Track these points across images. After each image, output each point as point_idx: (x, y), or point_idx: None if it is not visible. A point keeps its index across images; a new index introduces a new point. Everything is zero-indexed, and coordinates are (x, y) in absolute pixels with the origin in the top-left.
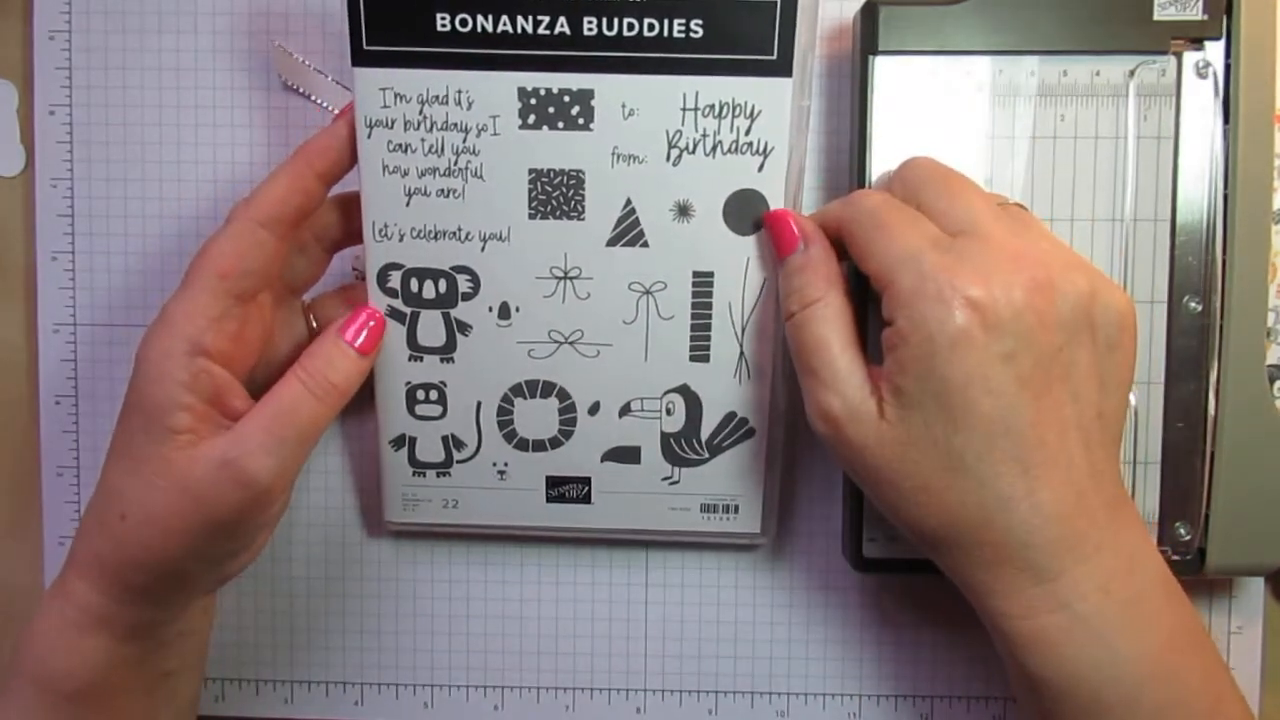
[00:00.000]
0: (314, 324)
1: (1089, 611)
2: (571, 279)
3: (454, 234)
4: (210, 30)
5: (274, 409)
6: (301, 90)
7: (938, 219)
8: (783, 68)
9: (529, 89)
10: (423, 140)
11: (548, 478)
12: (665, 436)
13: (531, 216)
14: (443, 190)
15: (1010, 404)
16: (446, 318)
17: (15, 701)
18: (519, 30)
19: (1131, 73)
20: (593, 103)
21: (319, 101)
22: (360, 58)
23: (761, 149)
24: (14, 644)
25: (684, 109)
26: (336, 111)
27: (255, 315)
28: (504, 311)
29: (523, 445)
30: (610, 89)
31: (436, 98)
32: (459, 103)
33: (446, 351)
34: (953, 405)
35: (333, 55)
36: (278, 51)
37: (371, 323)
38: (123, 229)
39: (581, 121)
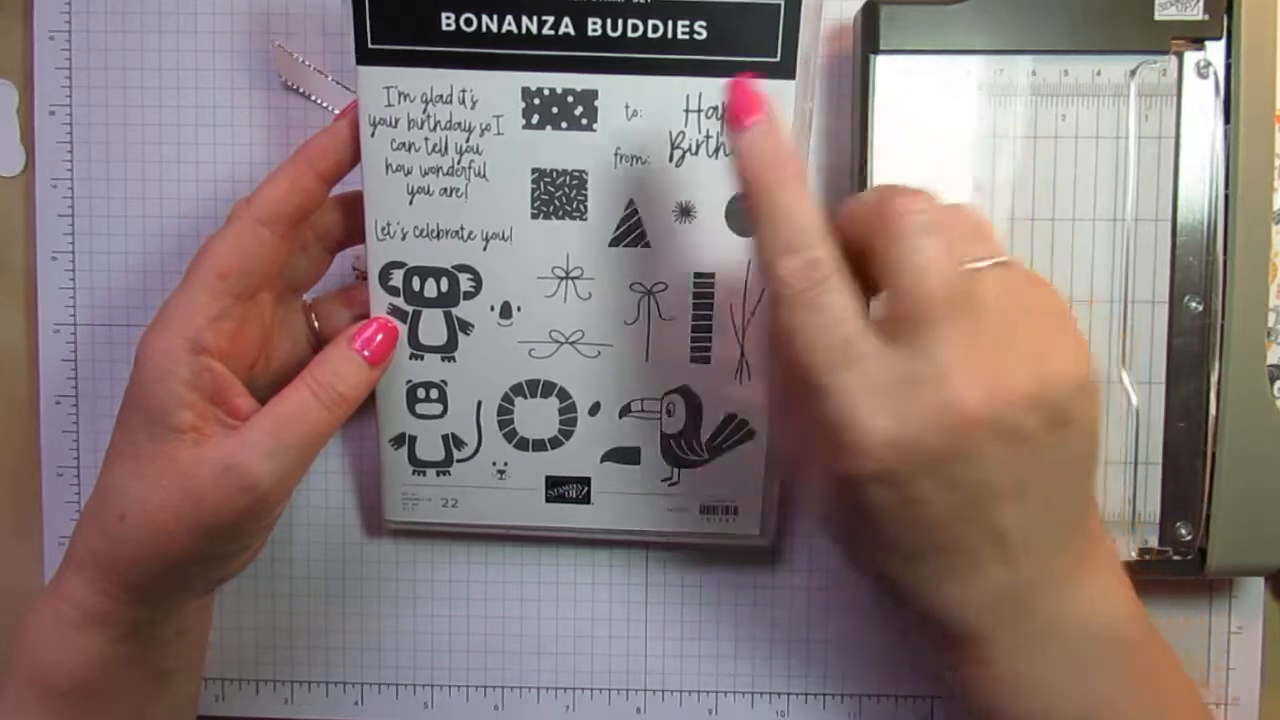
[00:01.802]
0: (315, 323)
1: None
2: (573, 279)
3: (456, 233)
4: (210, 30)
5: (280, 414)
6: (302, 90)
7: (882, 284)
8: (786, 70)
9: (533, 89)
10: (426, 139)
11: (547, 478)
12: (665, 437)
13: (534, 216)
14: (446, 189)
15: (923, 531)
16: (448, 316)
17: (11, 699)
18: (523, 30)
19: (1132, 72)
20: (596, 103)
21: (319, 101)
22: (364, 56)
23: None
24: (10, 642)
25: (687, 110)
26: (337, 111)
27: (255, 314)
28: (505, 311)
29: (523, 445)
30: (614, 90)
31: (440, 97)
32: (463, 102)
33: (448, 350)
34: (867, 531)
35: (333, 55)
36: (278, 51)
37: (381, 335)
38: (123, 229)
39: (585, 122)
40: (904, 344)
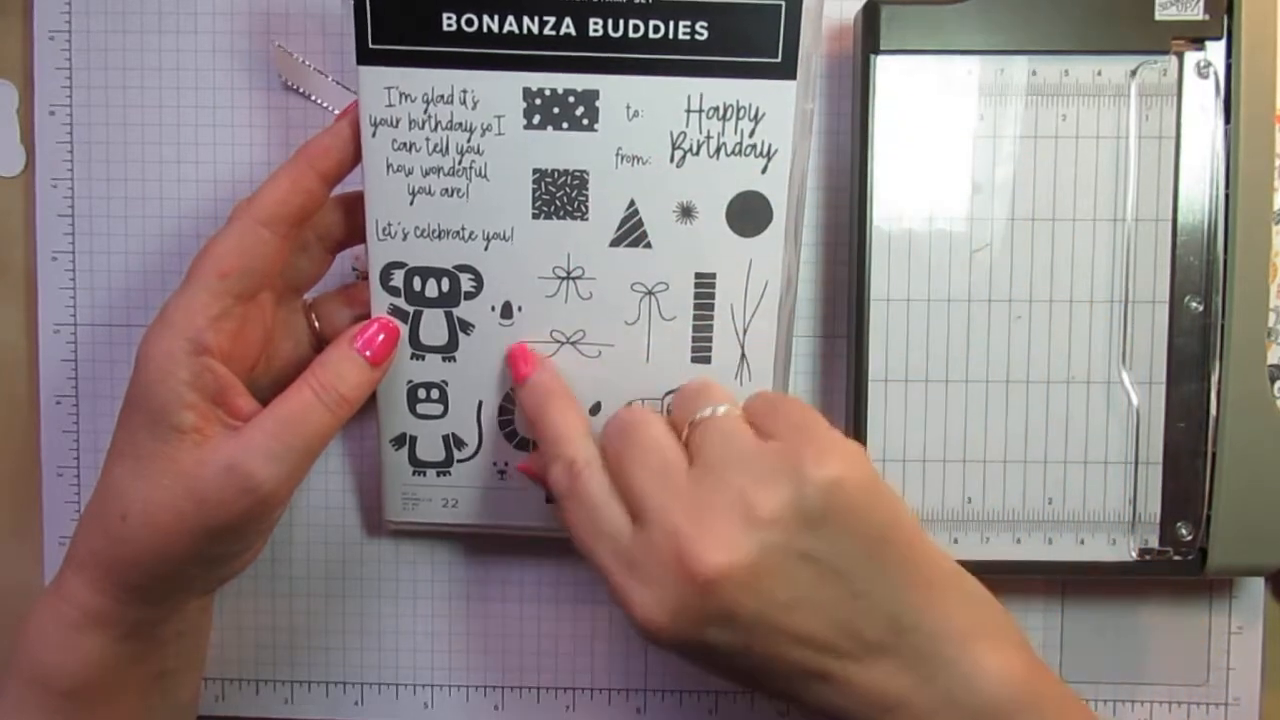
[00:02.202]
0: (315, 323)
1: None
2: (574, 279)
3: (457, 233)
4: (210, 30)
5: (282, 416)
6: (302, 90)
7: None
8: (787, 70)
9: (534, 89)
10: (427, 139)
11: None
12: None
13: (535, 216)
14: (447, 189)
15: (755, 667)
16: (449, 317)
17: (11, 700)
18: (524, 30)
19: (1133, 72)
20: (597, 103)
21: (319, 101)
22: (365, 56)
23: (765, 151)
24: (10, 642)
25: (688, 110)
26: (337, 112)
27: (256, 315)
28: (506, 311)
29: (524, 445)
30: (615, 90)
31: (441, 97)
32: (464, 102)
33: (448, 350)
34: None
35: (333, 55)
36: (278, 51)
37: (382, 335)
38: (123, 229)
39: (586, 122)
40: (640, 524)
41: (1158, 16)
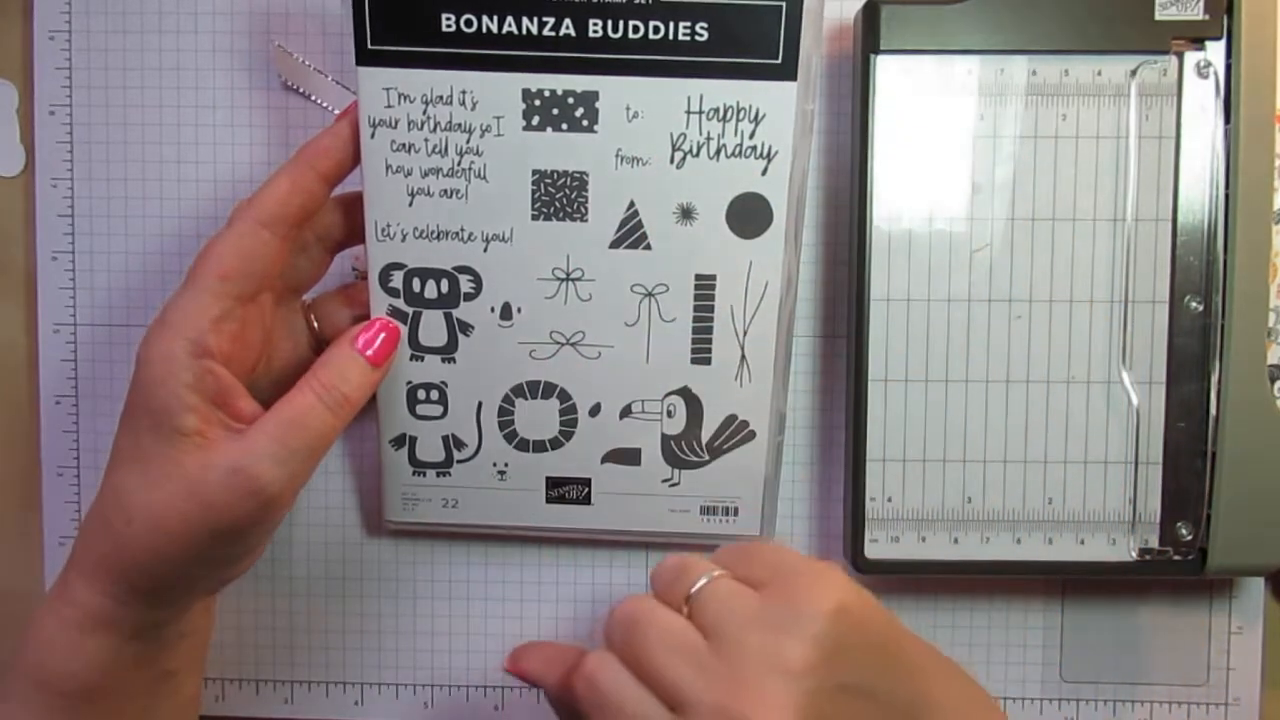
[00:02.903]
0: (315, 324)
1: None
2: (574, 280)
3: (457, 234)
4: (210, 30)
5: (285, 418)
6: (302, 90)
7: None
8: (787, 72)
9: (533, 90)
10: (426, 140)
11: (548, 478)
12: (666, 438)
13: (534, 217)
14: (446, 190)
15: None
16: (448, 318)
17: (16, 702)
18: (524, 31)
19: (1133, 72)
20: (597, 105)
21: (319, 101)
22: (364, 57)
23: (765, 153)
24: (14, 645)
25: (688, 112)
26: (337, 112)
27: (256, 316)
28: (506, 312)
29: (523, 446)
30: (615, 91)
31: (440, 98)
32: (463, 103)
33: (448, 351)
34: None
35: (333, 55)
36: (278, 51)
37: (383, 335)
38: (123, 229)
39: (586, 123)
40: (682, 713)
41: (1158, 16)
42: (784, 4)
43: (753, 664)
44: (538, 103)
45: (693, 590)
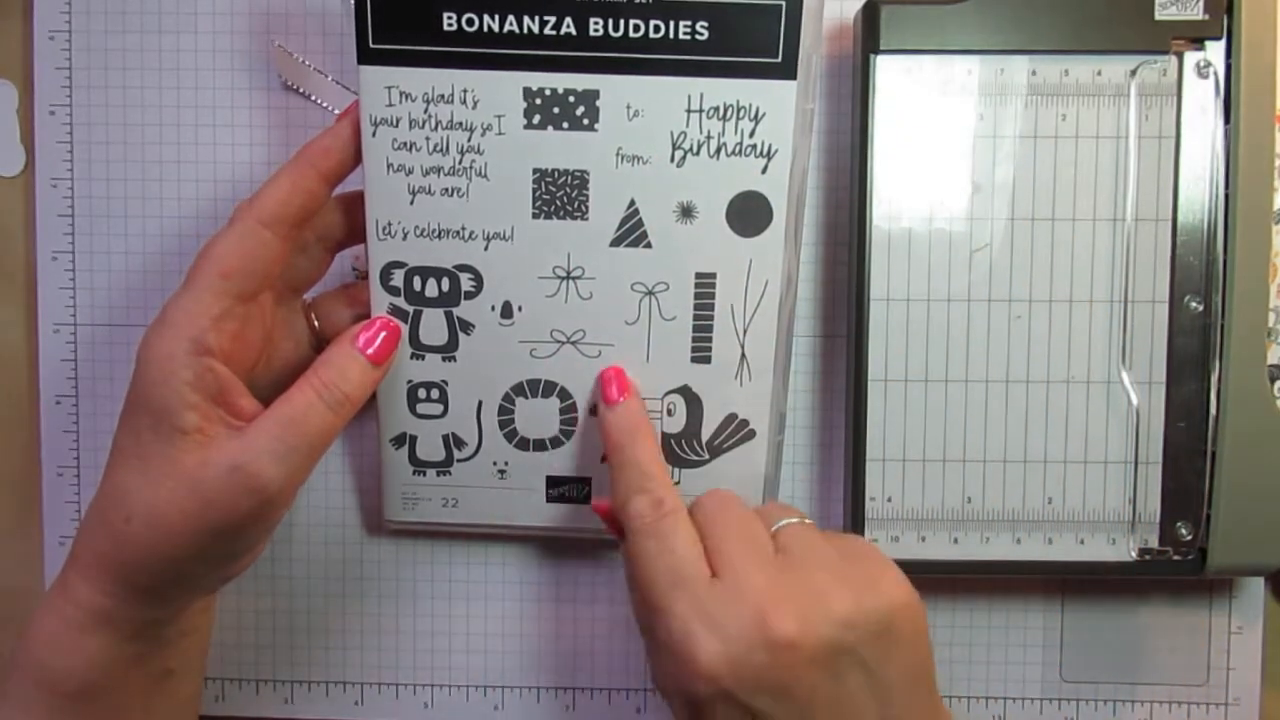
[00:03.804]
0: (315, 323)
1: None
2: (574, 279)
3: (457, 233)
4: (210, 30)
5: (285, 416)
6: (302, 90)
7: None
8: (787, 70)
9: (534, 89)
10: (427, 139)
11: (548, 477)
12: (666, 437)
13: (535, 216)
14: (447, 189)
15: None
16: (449, 316)
17: (16, 701)
18: (525, 30)
19: (1132, 72)
20: (598, 103)
21: (319, 101)
22: (366, 56)
23: (766, 151)
24: (13, 644)
25: (689, 110)
26: (337, 111)
27: (256, 315)
28: (506, 311)
29: (523, 445)
30: (615, 90)
31: (442, 97)
32: (464, 102)
33: (448, 350)
34: None
35: (333, 55)
36: (278, 51)
37: (383, 334)
38: (123, 229)
39: (586, 122)
40: (725, 579)
41: (1158, 16)
42: (784, 3)
43: (803, 586)
44: (539, 101)
45: (783, 523)
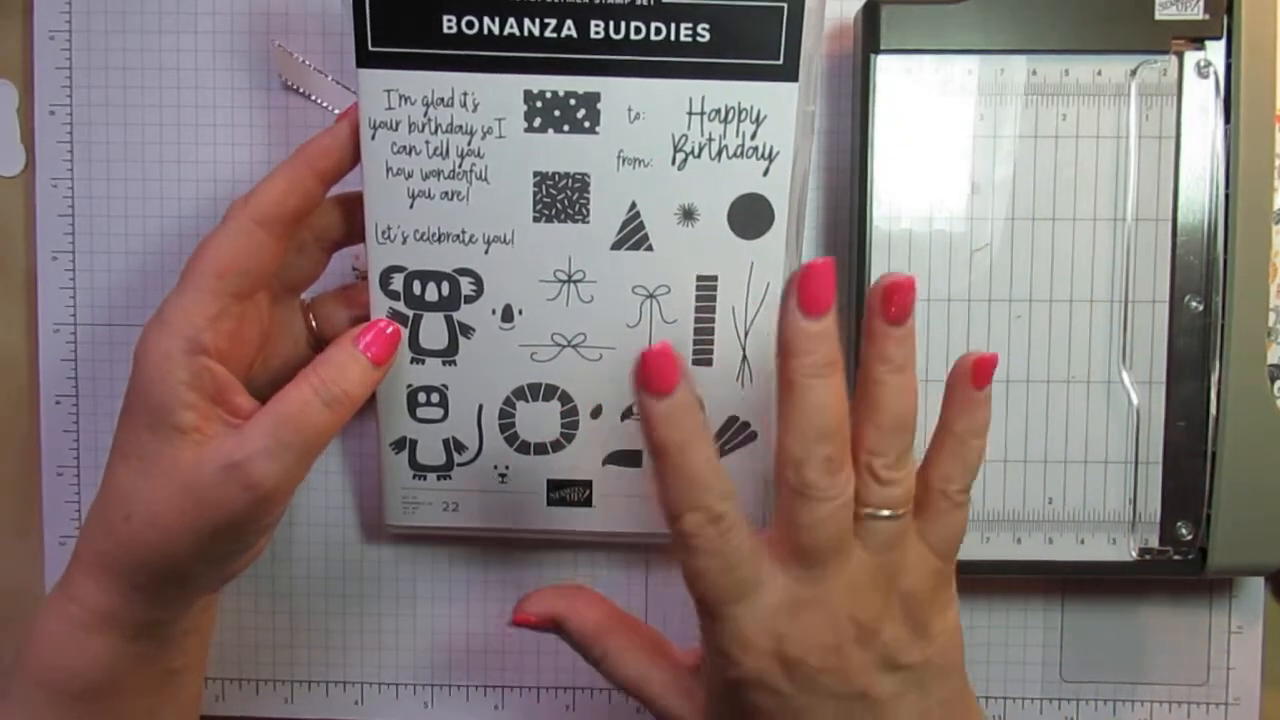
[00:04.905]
0: (313, 324)
1: None
2: (575, 282)
3: (457, 236)
4: (210, 30)
5: (281, 413)
6: (302, 90)
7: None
8: (789, 72)
9: (535, 91)
10: (427, 142)
11: (549, 481)
12: None
13: (536, 219)
14: (446, 193)
15: None
16: (449, 320)
17: (20, 702)
18: (525, 33)
19: (1133, 72)
20: (599, 106)
21: (319, 101)
22: (365, 59)
23: (767, 153)
24: (16, 644)
25: (690, 113)
26: (337, 112)
27: (253, 314)
28: (507, 314)
29: (524, 448)
30: (616, 92)
31: (441, 100)
32: (464, 105)
33: (448, 354)
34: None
35: (333, 55)
36: (278, 51)
37: (384, 335)
38: (123, 229)
39: (587, 125)
40: (796, 573)
41: (1158, 16)
42: (785, 5)
43: (830, 597)
44: (539, 104)
45: (877, 511)
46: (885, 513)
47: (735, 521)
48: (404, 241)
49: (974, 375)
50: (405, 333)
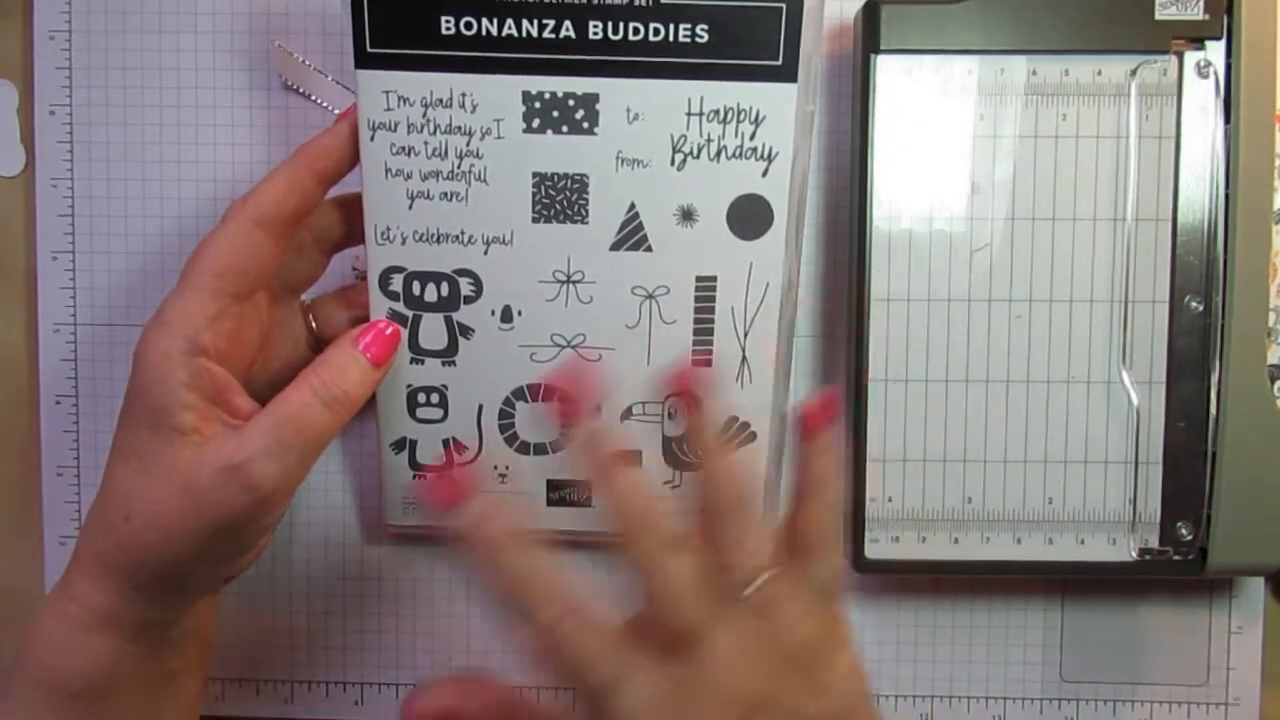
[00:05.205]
0: (313, 324)
1: None
2: (574, 283)
3: (457, 237)
4: (210, 30)
5: (281, 414)
6: (301, 90)
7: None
8: (788, 73)
9: (533, 92)
10: (426, 143)
11: (549, 481)
12: (667, 440)
13: (535, 220)
14: (446, 193)
15: None
16: (448, 321)
17: (20, 702)
18: (524, 34)
19: (1133, 72)
20: (597, 106)
21: (319, 101)
22: (364, 60)
23: (766, 154)
24: (16, 644)
25: (689, 114)
26: (337, 112)
27: (252, 314)
28: (506, 315)
29: (524, 449)
30: (615, 93)
31: (440, 101)
32: (463, 106)
33: (448, 355)
34: None
35: (333, 55)
36: (278, 51)
37: (384, 336)
38: (123, 229)
39: (586, 125)
40: (671, 659)
41: (1158, 16)
42: (784, 5)
43: (711, 670)
44: (538, 105)
45: (764, 578)
46: (756, 581)
47: (574, 626)
48: (403, 242)
49: (804, 433)
50: (405, 333)
